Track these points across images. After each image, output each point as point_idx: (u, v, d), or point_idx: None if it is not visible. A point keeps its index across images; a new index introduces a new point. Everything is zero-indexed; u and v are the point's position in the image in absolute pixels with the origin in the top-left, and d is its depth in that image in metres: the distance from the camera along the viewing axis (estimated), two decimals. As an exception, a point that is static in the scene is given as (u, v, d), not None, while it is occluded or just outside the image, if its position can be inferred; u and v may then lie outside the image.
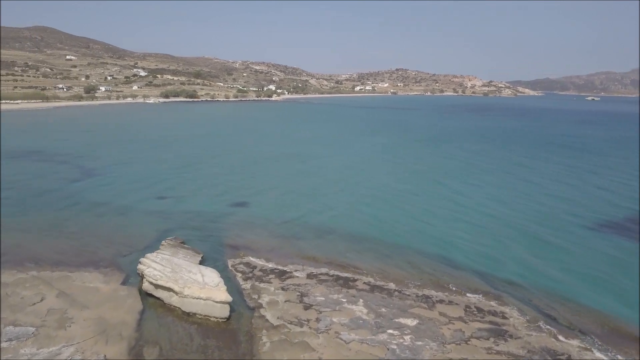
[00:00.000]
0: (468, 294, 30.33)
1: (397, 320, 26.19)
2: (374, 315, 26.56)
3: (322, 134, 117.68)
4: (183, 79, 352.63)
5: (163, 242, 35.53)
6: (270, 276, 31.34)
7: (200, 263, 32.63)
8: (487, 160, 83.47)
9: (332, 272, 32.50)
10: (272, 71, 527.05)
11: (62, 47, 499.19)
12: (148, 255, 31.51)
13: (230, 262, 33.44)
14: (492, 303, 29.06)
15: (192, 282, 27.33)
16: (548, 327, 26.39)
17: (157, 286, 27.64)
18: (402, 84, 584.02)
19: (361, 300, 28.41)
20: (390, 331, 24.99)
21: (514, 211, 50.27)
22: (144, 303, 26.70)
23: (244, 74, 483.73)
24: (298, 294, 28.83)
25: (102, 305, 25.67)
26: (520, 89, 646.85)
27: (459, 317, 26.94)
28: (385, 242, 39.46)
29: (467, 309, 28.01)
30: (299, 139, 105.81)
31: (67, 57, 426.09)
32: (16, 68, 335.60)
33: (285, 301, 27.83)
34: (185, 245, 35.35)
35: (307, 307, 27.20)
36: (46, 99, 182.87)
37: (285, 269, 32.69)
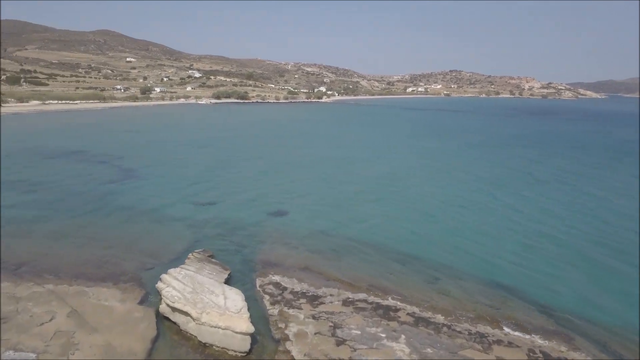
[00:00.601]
0: (531, 334, 25.73)
1: (445, 365, 22.21)
2: (417, 357, 22.66)
3: (367, 137, 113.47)
4: (235, 80, 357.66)
5: (190, 255, 33.08)
6: (301, 301, 28.00)
7: (227, 281, 29.86)
8: (543, 168, 76.45)
9: (371, 298, 28.72)
10: (324, 73, 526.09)
11: (123, 50, 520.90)
12: (171, 271, 29.08)
13: (258, 282, 30.42)
14: (562, 348, 24.32)
15: (212, 307, 24.44)
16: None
17: (174, 309, 24.97)
18: (455, 86, 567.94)
19: (403, 336, 24.51)
20: (436, 380, 21.06)
21: (573, 229, 44.50)
22: (158, 328, 24.08)
23: (296, 76, 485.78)
24: (331, 324, 25.31)
25: (113, 329, 23.27)
26: (581, 91, 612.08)
27: (521, 365, 22.58)
28: (431, 263, 35.22)
29: (531, 354, 23.48)
30: (343, 142, 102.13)
31: (127, 59, 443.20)
32: (80, 70, 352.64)
33: (316, 333, 24.39)
34: (213, 260, 32.70)
35: (340, 343, 23.63)
36: (103, 99, 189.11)
37: (318, 292, 29.21)
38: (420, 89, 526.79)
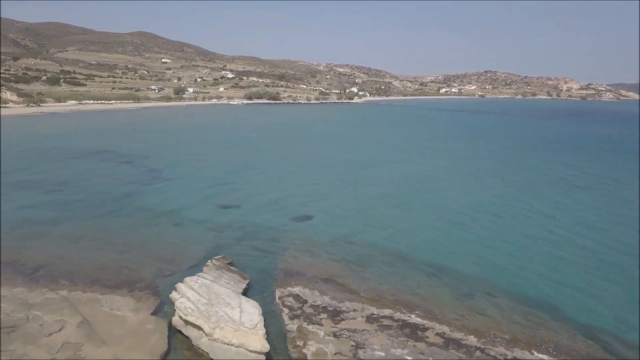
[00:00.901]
0: (573, 361, 23.29)
1: (477, 395, 20.11)
2: (446, 385, 20.64)
3: (396, 138, 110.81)
4: (267, 81, 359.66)
5: (209, 262, 31.87)
6: (322, 315, 26.29)
7: (245, 291, 28.46)
8: (580, 174, 72.13)
9: (397, 315, 26.71)
10: (356, 73, 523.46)
11: (158, 51, 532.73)
12: (187, 279, 27.91)
13: (278, 293, 28.90)
14: (611, 380, 21.85)
15: (226, 321, 23.05)
16: None
17: (186, 322, 23.70)
18: (490, 87, 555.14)
19: (431, 360, 22.54)
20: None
21: (613, 241, 41.05)
22: (170, 342, 22.83)
23: (327, 76, 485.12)
24: (353, 344, 23.50)
25: (122, 342, 22.16)
26: (623, 92, 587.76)
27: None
28: (461, 275, 32.83)
29: (575, 386, 21.12)
30: (370, 143, 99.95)
31: (163, 60, 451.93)
32: (117, 70, 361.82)
33: (336, 353, 22.63)
34: (232, 268, 31.38)
35: (362, 365, 21.87)
36: (137, 99, 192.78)
37: (340, 306, 27.41)
38: (453, 90, 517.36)
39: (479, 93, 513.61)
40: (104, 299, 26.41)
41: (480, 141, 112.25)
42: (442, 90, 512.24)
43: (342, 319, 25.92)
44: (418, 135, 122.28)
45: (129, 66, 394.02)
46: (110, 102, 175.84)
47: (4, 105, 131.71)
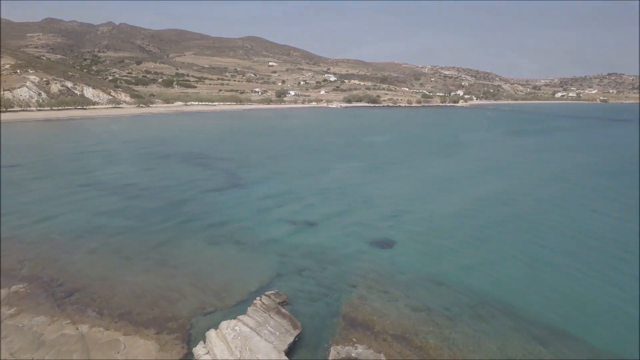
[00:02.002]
0: None
1: None
2: None
3: (499, 148, 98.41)
4: (369, 84, 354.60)
5: (258, 299, 26.61)
6: (385, 398, 19.75)
7: (293, 345, 22.79)
8: None
9: (491, 410, 19.33)
10: (462, 76, 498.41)
11: (266, 55, 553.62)
12: (224, 324, 22.91)
13: (333, 353, 22.61)
14: None
15: (251, 399, 17.56)
16: None
17: (204, 392, 18.68)
18: (614, 91, 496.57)
19: None
20: None
21: None
22: (179, 419, 17.93)
23: (432, 79, 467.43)
24: None
25: (122, 413, 17.64)
26: None
27: None
28: (595, 349, 24.16)
29: None
30: (469, 154, 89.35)
31: (270, 63, 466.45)
32: (227, 73, 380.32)
33: None
34: (283, 310, 25.83)
35: None
36: (240, 101, 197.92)
37: (412, 385, 20.65)
38: (571, 94, 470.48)
39: (601, 98, 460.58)
40: (124, 341, 22.26)
41: (604, 154, 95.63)
42: (558, 95, 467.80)
43: (412, 408, 19.14)
44: (527, 145, 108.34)
45: (238, 69, 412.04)
46: (214, 103, 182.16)
47: (117, 105, 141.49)
